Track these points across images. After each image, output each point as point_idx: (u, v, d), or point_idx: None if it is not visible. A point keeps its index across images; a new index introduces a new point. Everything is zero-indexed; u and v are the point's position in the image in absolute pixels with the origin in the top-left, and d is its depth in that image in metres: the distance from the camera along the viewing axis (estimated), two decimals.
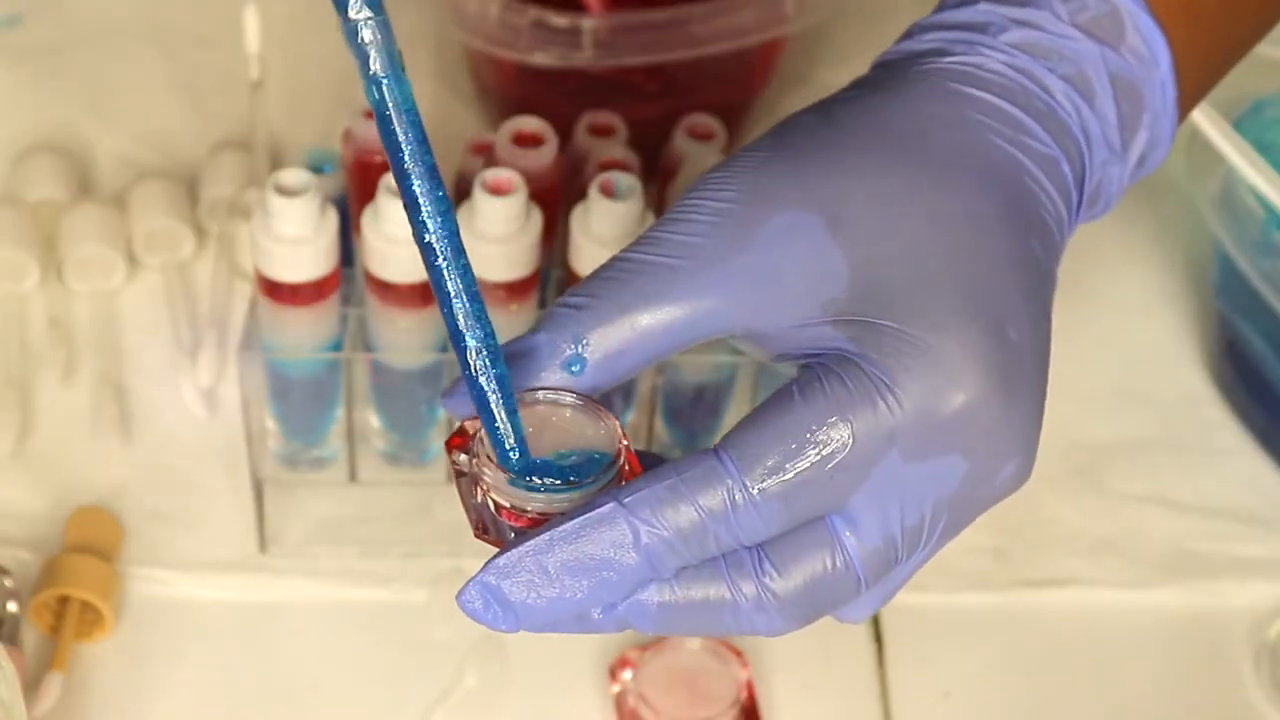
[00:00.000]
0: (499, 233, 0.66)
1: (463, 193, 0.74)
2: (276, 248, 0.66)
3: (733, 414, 0.74)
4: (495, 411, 0.49)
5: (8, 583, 0.70)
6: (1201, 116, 0.76)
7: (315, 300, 0.68)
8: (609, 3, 0.85)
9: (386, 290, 0.68)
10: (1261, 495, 0.80)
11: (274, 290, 0.67)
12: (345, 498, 0.75)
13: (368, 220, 0.67)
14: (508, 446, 0.50)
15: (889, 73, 0.56)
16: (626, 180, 0.67)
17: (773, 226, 0.51)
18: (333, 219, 0.67)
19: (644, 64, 0.83)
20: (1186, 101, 0.58)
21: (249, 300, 0.70)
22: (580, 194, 0.68)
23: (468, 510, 0.53)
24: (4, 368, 0.80)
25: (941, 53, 0.55)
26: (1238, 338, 0.81)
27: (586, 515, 0.48)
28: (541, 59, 0.81)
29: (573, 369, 0.51)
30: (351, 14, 0.46)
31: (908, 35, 0.57)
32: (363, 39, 0.46)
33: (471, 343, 0.49)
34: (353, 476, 0.73)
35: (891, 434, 0.49)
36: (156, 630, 0.71)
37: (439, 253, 0.48)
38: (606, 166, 0.73)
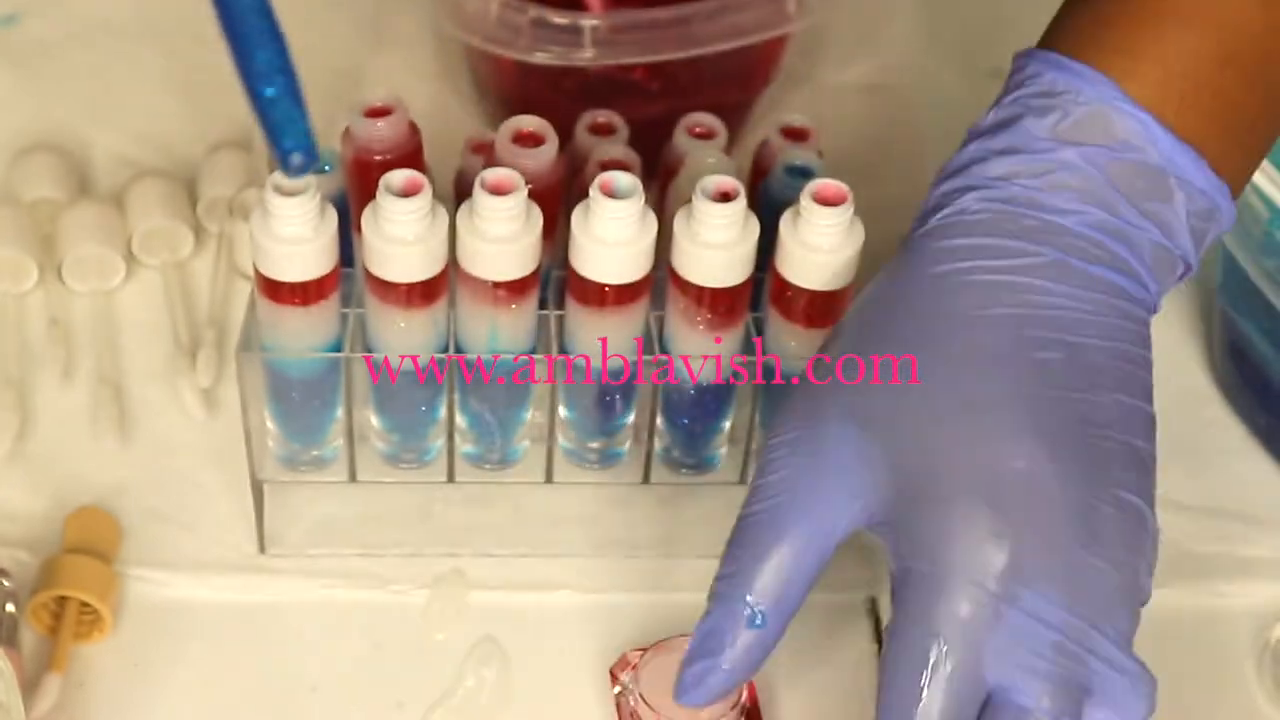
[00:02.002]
0: (499, 232, 0.66)
1: (463, 192, 0.74)
2: (276, 247, 0.66)
3: (733, 414, 0.73)
4: (274, 123, 0.49)
5: (6, 583, 0.70)
6: None
7: (315, 300, 0.68)
8: (609, 1, 0.85)
9: (386, 290, 0.67)
10: (1264, 496, 0.80)
11: (273, 290, 0.67)
12: (345, 498, 0.74)
13: (368, 220, 0.67)
14: (288, 151, 0.49)
15: (901, 248, 0.62)
16: (627, 180, 0.67)
17: (830, 440, 0.58)
18: (332, 219, 0.67)
19: (645, 63, 0.83)
20: (1239, 165, 0.62)
21: (248, 300, 0.70)
22: (580, 194, 0.68)
23: None
24: (2, 368, 0.80)
25: (935, 208, 0.61)
26: (1241, 338, 0.81)
27: None
28: (541, 58, 0.81)
29: (757, 624, 0.58)
30: None
31: (929, 192, 0.63)
32: None
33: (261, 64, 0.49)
34: (352, 477, 0.73)
35: (963, 610, 0.55)
36: (155, 631, 0.71)
37: None
38: (607, 166, 0.73)
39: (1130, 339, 0.59)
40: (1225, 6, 0.60)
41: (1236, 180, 0.62)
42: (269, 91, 0.49)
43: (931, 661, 0.55)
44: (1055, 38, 0.63)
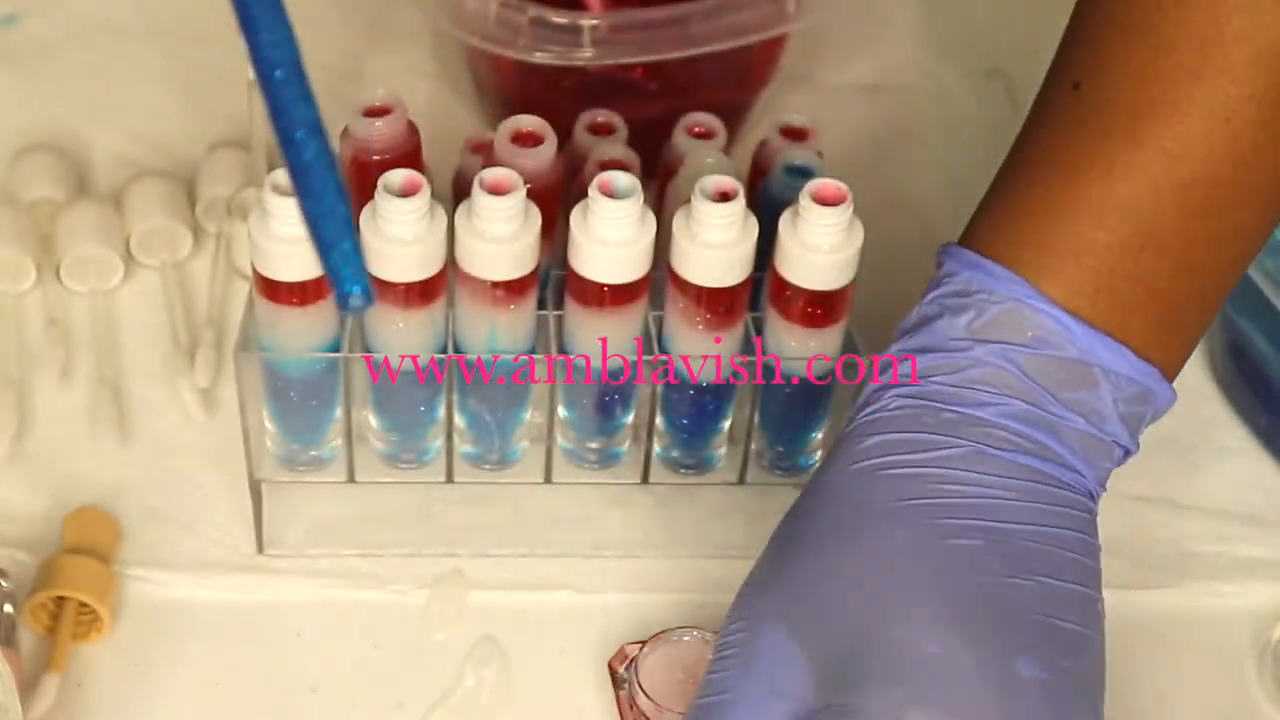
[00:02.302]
0: (498, 232, 0.66)
1: (461, 192, 0.74)
2: (274, 247, 0.66)
3: (733, 414, 0.73)
4: (336, 261, 0.48)
5: (4, 583, 0.70)
6: None
7: (313, 300, 0.68)
8: (609, 1, 0.85)
9: (385, 290, 0.67)
10: (1264, 496, 0.80)
11: (272, 290, 0.67)
12: (344, 498, 0.74)
13: (366, 220, 0.67)
14: (348, 292, 0.48)
15: (842, 475, 0.62)
16: (626, 180, 0.67)
17: (760, 643, 0.58)
18: None
19: (644, 62, 0.83)
20: (1173, 350, 0.63)
21: (246, 300, 0.69)
22: (580, 193, 0.68)
23: None
24: (1, 368, 0.80)
25: (861, 407, 0.62)
26: (1241, 338, 0.81)
27: None
28: (541, 57, 0.81)
29: None
30: None
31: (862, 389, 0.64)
32: None
33: (309, 152, 0.49)
34: (351, 477, 0.73)
35: None
36: (154, 631, 0.71)
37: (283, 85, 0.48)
38: (606, 166, 0.73)
39: (1064, 523, 0.59)
40: (1139, 195, 0.60)
41: (1171, 361, 0.62)
42: (330, 230, 0.48)
43: None
44: (974, 231, 0.63)
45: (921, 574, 0.57)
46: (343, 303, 0.48)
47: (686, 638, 0.67)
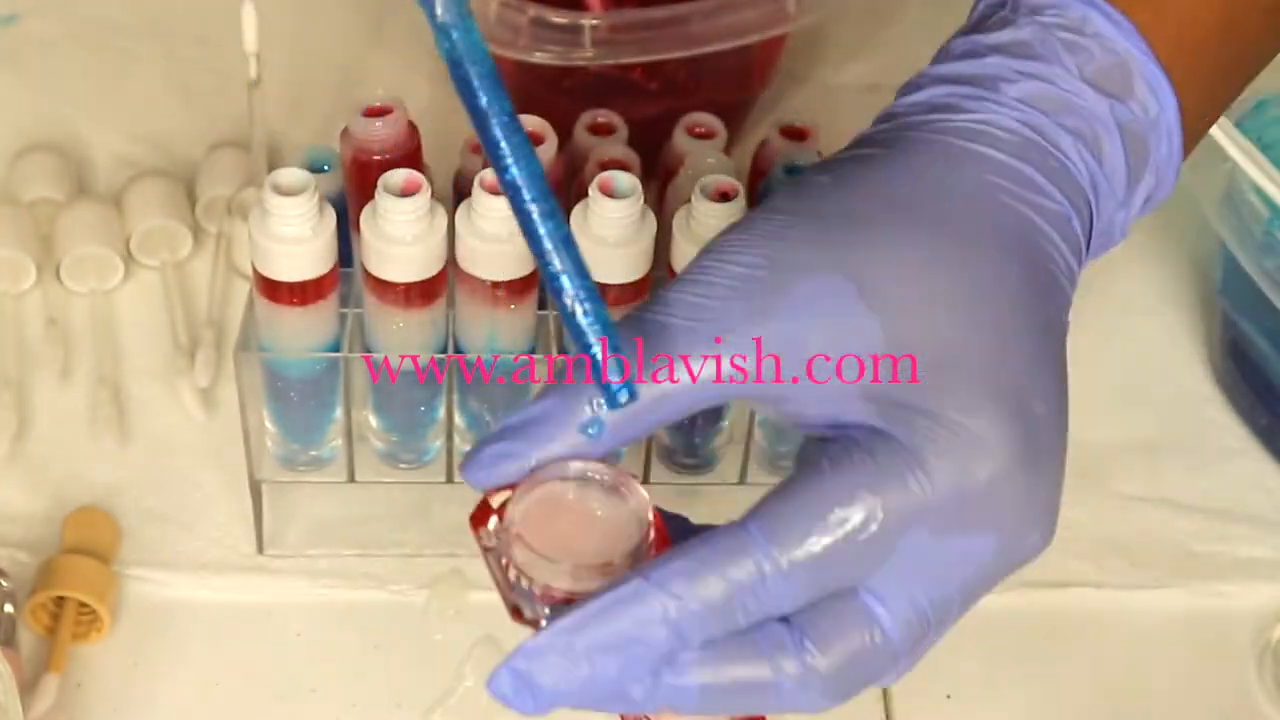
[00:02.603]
0: (498, 232, 0.66)
1: (463, 192, 0.74)
2: (274, 247, 0.66)
3: (733, 415, 0.73)
4: (598, 354, 0.48)
5: (4, 584, 0.70)
6: None
7: (313, 300, 0.68)
8: (609, 1, 0.85)
9: (385, 290, 0.67)
10: (1265, 496, 0.80)
11: (272, 290, 0.67)
12: (343, 498, 0.74)
13: (366, 219, 0.67)
14: (615, 390, 0.49)
15: (897, 132, 0.55)
16: (626, 180, 0.67)
17: (799, 294, 0.51)
18: (331, 218, 0.67)
19: (644, 62, 0.83)
20: (1190, 139, 0.58)
21: (246, 300, 0.69)
22: (580, 193, 0.68)
23: (501, 590, 0.52)
24: (1, 368, 0.80)
25: (952, 109, 0.55)
26: (1241, 338, 0.81)
27: (614, 593, 0.48)
28: (541, 57, 0.81)
29: (590, 431, 0.51)
30: None
31: (915, 88, 0.57)
32: None
33: (568, 285, 0.48)
34: (351, 477, 0.73)
35: (920, 511, 0.49)
36: (154, 631, 0.71)
37: (526, 194, 0.47)
38: (606, 166, 0.73)
39: (1066, 314, 0.55)
40: None
41: (1186, 148, 0.59)
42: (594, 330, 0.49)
43: (857, 518, 0.49)
44: None
45: (1033, 322, 0.52)
46: (610, 401, 0.49)
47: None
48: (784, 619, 0.50)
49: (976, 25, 0.58)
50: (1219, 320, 0.84)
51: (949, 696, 0.72)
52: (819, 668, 0.49)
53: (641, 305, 0.52)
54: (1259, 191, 0.76)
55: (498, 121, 0.47)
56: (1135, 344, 0.85)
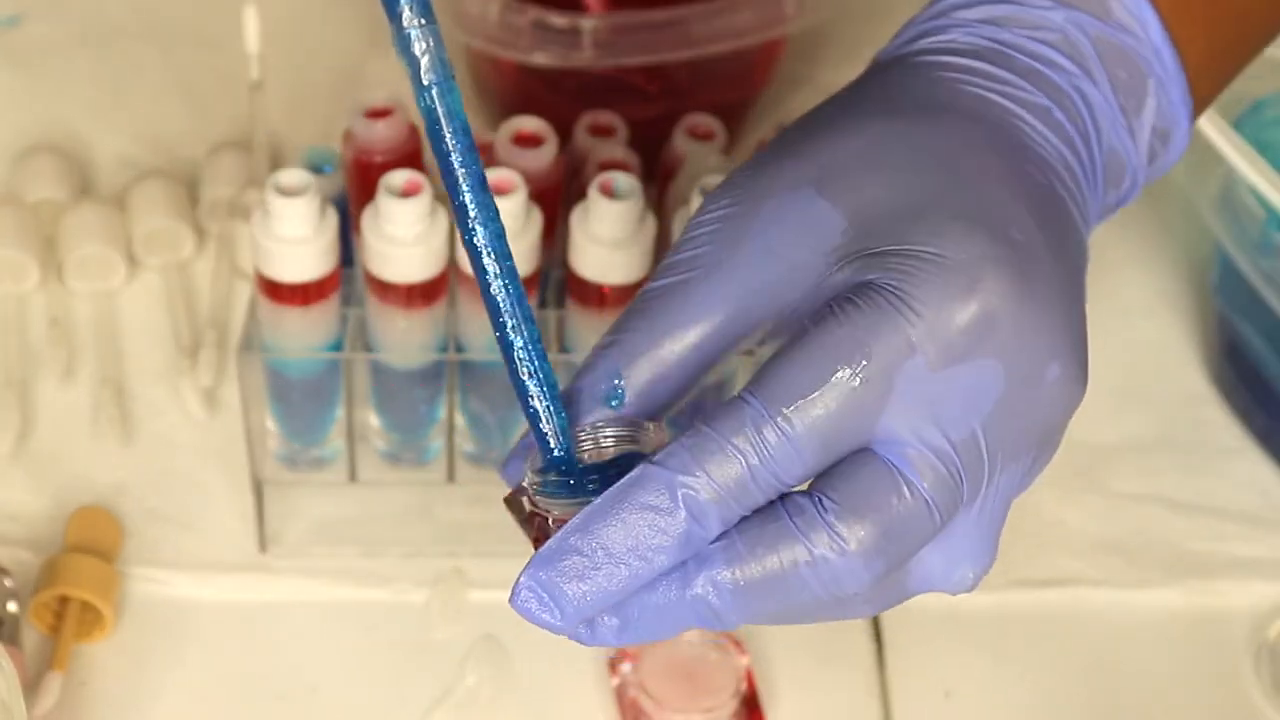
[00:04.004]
0: None
1: None
2: (276, 248, 0.66)
3: None
4: (540, 413, 0.50)
5: (8, 583, 0.70)
6: (1201, 117, 0.76)
7: (315, 300, 0.68)
8: (609, 3, 0.85)
9: (386, 290, 0.68)
10: (1262, 496, 0.80)
11: (274, 290, 0.67)
12: (345, 498, 0.75)
13: (368, 220, 0.67)
14: (552, 447, 0.50)
15: (869, 70, 0.57)
16: (626, 180, 0.67)
17: (763, 214, 0.51)
18: (332, 219, 0.67)
19: (644, 64, 0.83)
20: (1206, 89, 0.57)
21: (249, 300, 0.70)
22: (580, 194, 0.68)
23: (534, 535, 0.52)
24: (4, 368, 0.80)
25: (916, 39, 0.56)
26: (1238, 338, 0.81)
27: (621, 482, 0.48)
28: (541, 59, 0.81)
29: (612, 404, 0.52)
30: (405, 23, 0.47)
31: (896, 36, 0.58)
32: (415, 48, 0.47)
33: (518, 342, 0.49)
34: (353, 476, 0.73)
35: (910, 343, 0.48)
36: (156, 630, 0.71)
37: (486, 257, 0.49)
38: (606, 166, 0.73)
39: (1082, 218, 0.55)
40: None
41: (1200, 101, 0.58)
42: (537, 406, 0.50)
43: (846, 360, 0.48)
44: None
45: (1003, 175, 0.51)
46: (550, 464, 0.50)
47: (687, 636, 0.67)
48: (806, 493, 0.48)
49: None
50: (1215, 321, 0.84)
51: (947, 694, 0.72)
52: (848, 535, 0.48)
53: (652, 273, 0.53)
54: (1256, 193, 0.76)
55: (467, 184, 0.48)
56: (1132, 344, 0.86)
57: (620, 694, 0.68)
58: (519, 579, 0.48)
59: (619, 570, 0.48)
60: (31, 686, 0.67)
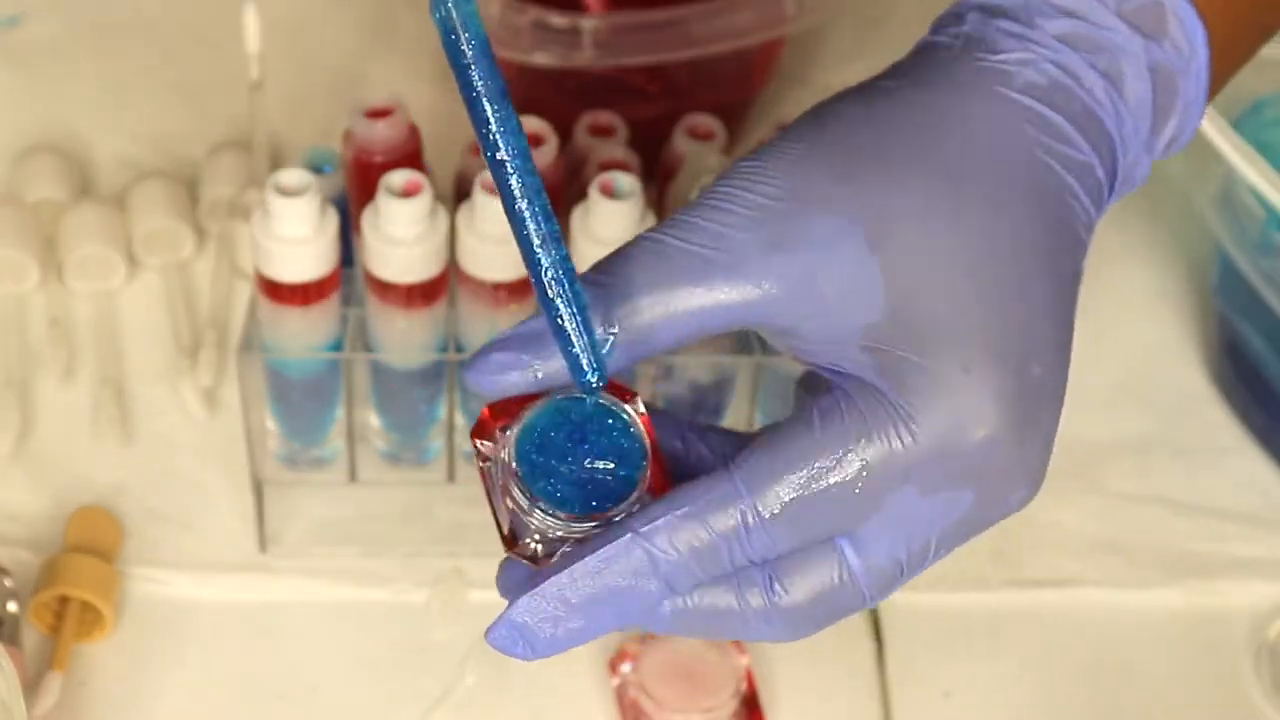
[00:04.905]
0: (499, 233, 0.66)
1: (463, 193, 0.74)
2: (276, 248, 0.66)
3: (733, 414, 0.74)
4: (572, 335, 0.49)
5: (8, 583, 0.70)
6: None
7: (315, 300, 0.68)
8: (609, 3, 0.85)
9: (386, 290, 0.68)
10: (1261, 495, 0.80)
11: (274, 290, 0.67)
12: (345, 498, 0.75)
13: (368, 220, 0.67)
14: (585, 369, 0.49)
15: (934, 64, 0.54)
16: (626, 180, 0.67)
17: (815, 230, 0.50)
18: (333, 219, 0.67)
19: (644, 64, 0.83)
20: (1216, 83, 0.57)
21: (249, 300, 0.70)
22: (580, 194, 0.68)
23: (496, 512, 0.52)
24: (4, 368, 0.80)
25: (988, 46, 0.54)
26: (1238, 338, 0.81)
27: (607, 550, 0.49)
28: (541, 59, 0.81)
29: (603, 351, 0.51)
30: None
31: (953, 18, 0.56)
32: None
33: (546, 262, 0.48)
34: (353, 476, 0.73)
35: (906, 470, 0.49)
36: (156, 630, 0.71)
37: (509, 173, 0.48)
38: (606, 166, 0.73)
39: (1081, 260, 0.55)
40: None
41: (1211, 91, 0.57)
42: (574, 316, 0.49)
43: (842, 476, 0.49)
44: None
45: (1045, 273, 0.51)
46: (585, 388, 0.50)
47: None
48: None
49: None
50: (1215, 320, 0.84)
51: (947, 694, 0.72)
52: (783, 604, 0.51)
53: (661, 225, 0.51)
54: (1255, 193, 0.76)
55: (488, 97, 0.48)
56: (1132, 344, 0.86)
57: (620, 694, 0.68)
58: (500, 618, 0.51)
59: (592, 624, 0.51)
60: (31, 686, 0.67)
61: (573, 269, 0.49)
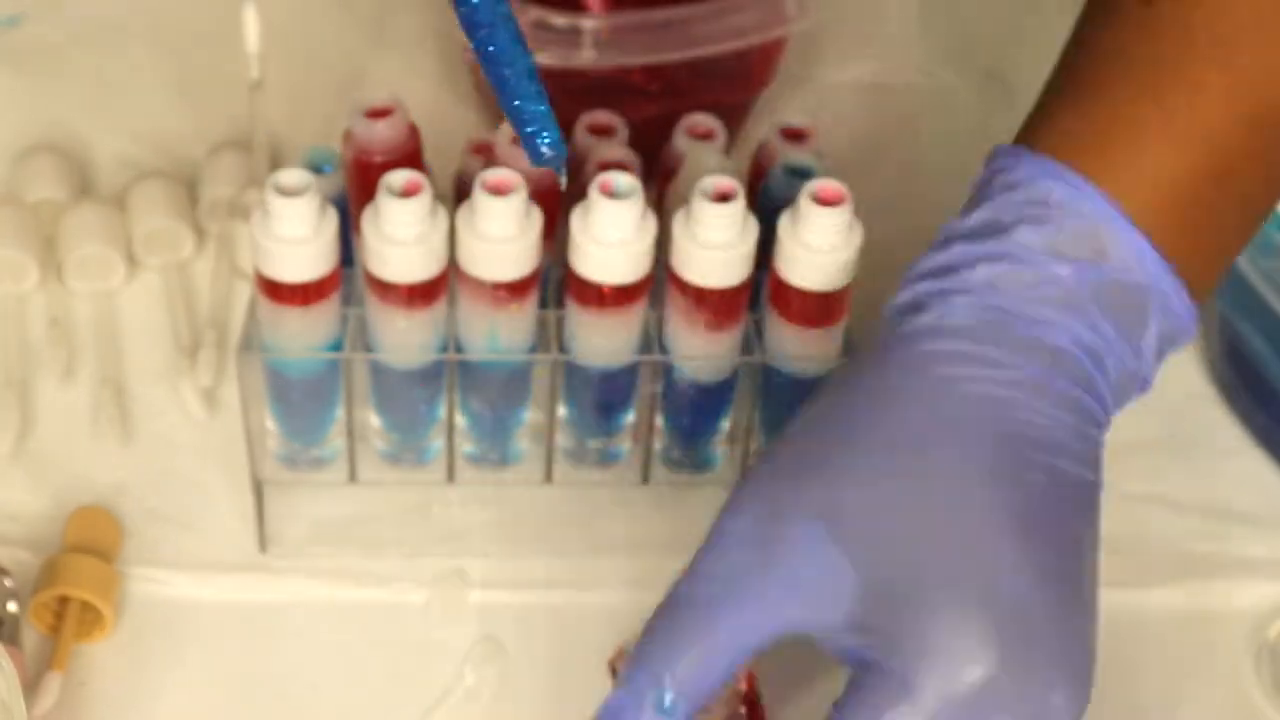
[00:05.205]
0: (499, 233, 0.66)
1: (463, 193, 0.74)
2: (276, 248, 0.66)
3: (733, 414, 0.74)
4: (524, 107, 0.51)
5: (7, 583, 0.70)
6: None
7: (315, 300, 0.68)
8: (609, 3, 0.85)
9: (386, 290, 0.68)
10: (1262, 496, 0.80)
11: (273, 290, 0.67)
12: (345, 498, 0.75)
13: (368, 220, 0.67)
14: (538, 140, 0.51)
15: (876, 343, 0.60)
16: (626, 180, 0.67)
17: (788, 541, 0.55)
18: (332, 219, 0.67)
19: (644, 64, 0.83)
20: (1206, 278, 0.60)
21: (248, 300, 0.70)
22: (580, 194, 0.68)
23: None
24: (3, 368, 0.80)
25: (916, 308, 0.59)
26: (1239, 339, 0.81)
27: None
28: (542, 59, 0.81)
29: (664, 709, 0.56)
30: None
31: (904, 282, 0.61)
32: None
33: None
34: (352, 476, 0.73)
35: None
36: (156, 630, 0.71)
37: None
38: (606, 166, 0.73)
39: (1088, 465, 0.58)
40: (1214, 123, 0.58)
41: (1204, 294, 0.61)
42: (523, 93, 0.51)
43: None
44: (1039, 136, 0.60)
45: (998, 506, 0.55)
46: (535, 157, 0.51)
47: None
48: None
49: (965, 205, 0.61)
50: (1217, 321, 0.84)
51: None
52: None
53: (678, 580, 0.57)
54: None
55: None
56: None
57: None
58: None
59: None
60: (31, 686, 0.67)
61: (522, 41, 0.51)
